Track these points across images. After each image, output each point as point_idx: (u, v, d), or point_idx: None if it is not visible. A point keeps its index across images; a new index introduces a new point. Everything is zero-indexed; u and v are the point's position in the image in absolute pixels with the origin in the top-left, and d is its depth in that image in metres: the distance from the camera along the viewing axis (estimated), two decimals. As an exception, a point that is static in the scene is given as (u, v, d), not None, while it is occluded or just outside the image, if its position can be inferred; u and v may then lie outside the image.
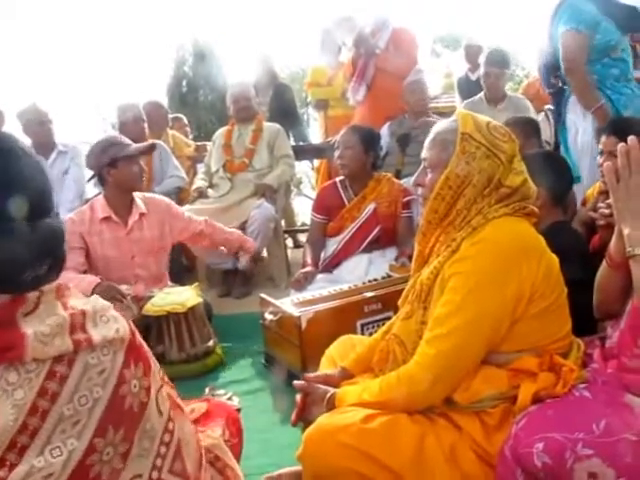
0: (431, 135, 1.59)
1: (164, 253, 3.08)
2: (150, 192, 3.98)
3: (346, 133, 3.11)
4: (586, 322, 1.76)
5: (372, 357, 1.72)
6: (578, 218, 2.62)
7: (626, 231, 1.41)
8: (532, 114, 4.22)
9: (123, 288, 2.70)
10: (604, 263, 1.64)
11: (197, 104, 13.07)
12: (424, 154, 1.60)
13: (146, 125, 4.09)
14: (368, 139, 3.11)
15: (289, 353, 2.40)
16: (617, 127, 2.41)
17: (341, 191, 3.16)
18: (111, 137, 2.93)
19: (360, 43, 4.46)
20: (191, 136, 13.18)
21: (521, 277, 1.40)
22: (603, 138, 2.45)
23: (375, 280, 2.71)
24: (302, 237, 5.28)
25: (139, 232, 2.95)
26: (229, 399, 1.88)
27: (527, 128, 2.87)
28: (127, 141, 2.90)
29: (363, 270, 3.02)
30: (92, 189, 4.22)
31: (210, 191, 3.92)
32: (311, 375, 1.70)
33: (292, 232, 5.03)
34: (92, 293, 2.58)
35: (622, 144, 1.43)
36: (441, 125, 1.58)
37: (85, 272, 2.85)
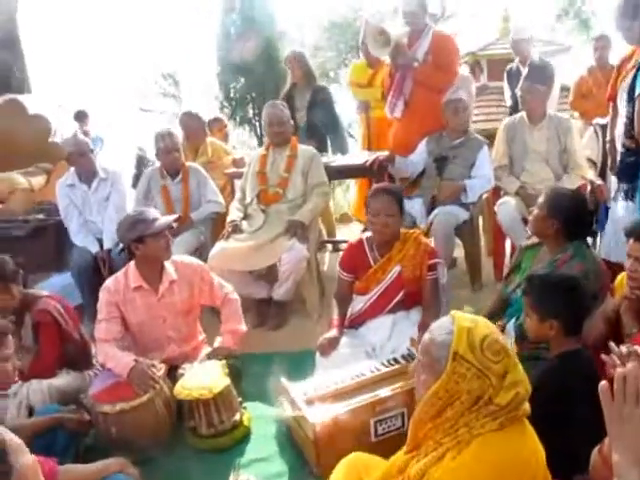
0: (426, 339, 1.62)
1: (195, 312, 3.22)
2: (187, 218, 4.14)
3: (385, 199, 3.04)
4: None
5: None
6: (604, 310, 2.57)
7: (615, 457, 1.42)
8: (574, 134, 4.05)
9: (155, 362, 2.86)
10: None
11: (245, 51, 12.89)
12: (418, 355, 1.64)
13: (179, 153, 4.22)
14: (401, 201, 3.11)
15: (306, 444, 2.53)
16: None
17: (367, 251, 3.17)
18: (139, 214, 3.01)
19: (397, 55, 4.30)
20: (239, 85, 13.03)
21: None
22: (630, 242, 2.38)
23: (395, 361, 2.78)
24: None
25: (170, 298, 3.08)
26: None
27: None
28: (154, 215, 2.99)
29: (387, 332, 3.08)
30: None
31: (244, 223, 3.98)
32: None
33: (332, 242, 5.06)
34: (128, 376, 2.76)
35: (620, 370, 1.42)
36: (436, 334, 1.59)
37: (122, 338, 3.04)
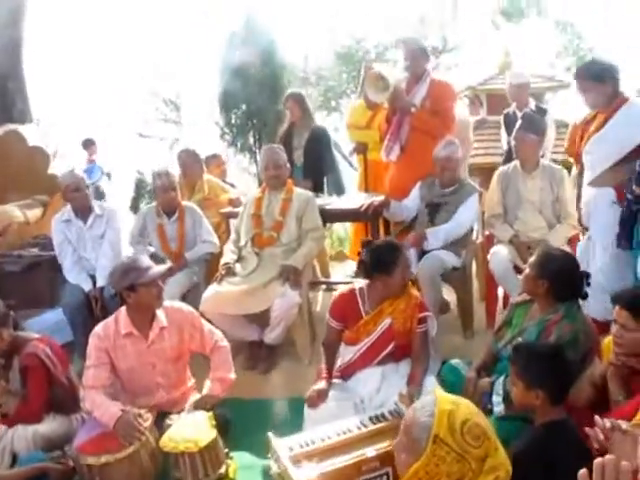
0: (408, 418, 1.62)
1: (185, 359, 3.21)
2: (181, 257, 4.16)
3: (405, 253, 3.16)
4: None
5: None
6: (591, 374, 2.57)
7: None
8: (566, 184, 4.08)
9: (142, 412, 2.85)
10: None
11: (249, 78, 13.00)
12: (400, 433, 1.64)
13: (175, 193, 4.26)
14: None
15: (291, 502, 2.51)
16: (629, 302, 2.34)
17: (359, 302, 3.17)
18: (132, 261, 3.02)
19: (395, 101, 4.34)
20: (240, 111, 13.11)
21: None
22: (617, 308, 2.39)
23: (383, 416, 2.77)
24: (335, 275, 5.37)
25: (160, 344, 3.07)
26: None
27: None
28: (147, 264, 3.00)
29: (376, 385, 3.06)
30: (127, 248, 4.41)
31: (238, 266, 3.99)
32: None
33: (326, 283, 5.08)
34: (114, 427, 2.74)
35: (599, 460, 1.42)
36: (418, 414, 1.60)
37: (111, 384, 3.03)
